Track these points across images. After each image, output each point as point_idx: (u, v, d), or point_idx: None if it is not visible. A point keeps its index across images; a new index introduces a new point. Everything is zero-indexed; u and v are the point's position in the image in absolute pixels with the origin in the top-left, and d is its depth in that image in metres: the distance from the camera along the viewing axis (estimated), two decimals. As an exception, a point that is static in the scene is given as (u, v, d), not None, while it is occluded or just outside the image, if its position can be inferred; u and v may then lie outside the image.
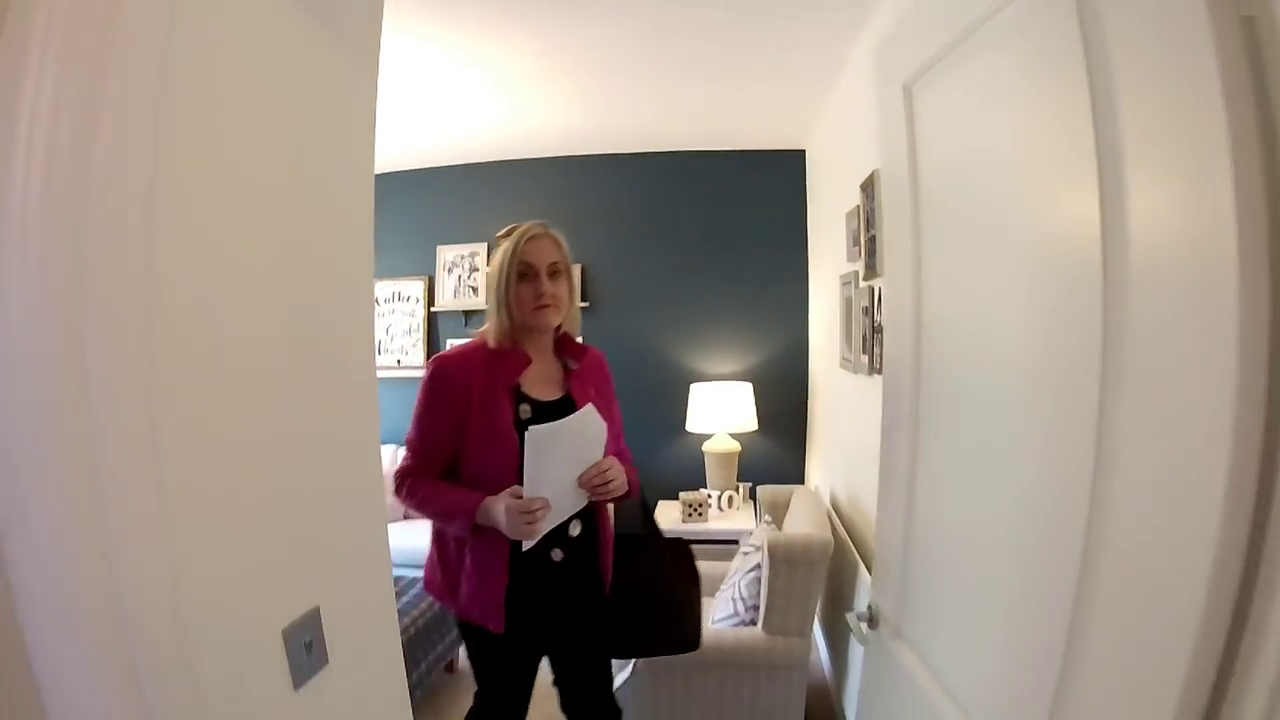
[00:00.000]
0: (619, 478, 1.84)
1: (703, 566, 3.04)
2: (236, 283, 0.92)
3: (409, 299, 5.12)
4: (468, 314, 4.99)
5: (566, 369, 1.97)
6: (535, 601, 1.89)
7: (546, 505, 1.70)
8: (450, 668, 3.62)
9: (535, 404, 1.86)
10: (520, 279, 1.82)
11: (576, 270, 5.19)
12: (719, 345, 4.73)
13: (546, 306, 1.82)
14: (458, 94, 3.61)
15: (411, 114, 3.87)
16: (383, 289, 5.11)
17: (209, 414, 0.87)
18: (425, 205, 5.00)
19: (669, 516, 4.26)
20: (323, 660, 1.06)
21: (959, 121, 1.22)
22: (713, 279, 4.68)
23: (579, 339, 2.03)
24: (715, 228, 4.65)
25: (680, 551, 2.14)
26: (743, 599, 2.85)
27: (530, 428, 1.68)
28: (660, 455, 4.76)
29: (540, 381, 1.91)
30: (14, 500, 0.71)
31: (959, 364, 1.25)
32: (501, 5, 2.69)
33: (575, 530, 1.90)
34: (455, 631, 3.61)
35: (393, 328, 5.16)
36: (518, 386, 1.86)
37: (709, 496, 4.31)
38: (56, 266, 0.68)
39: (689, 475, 4.68)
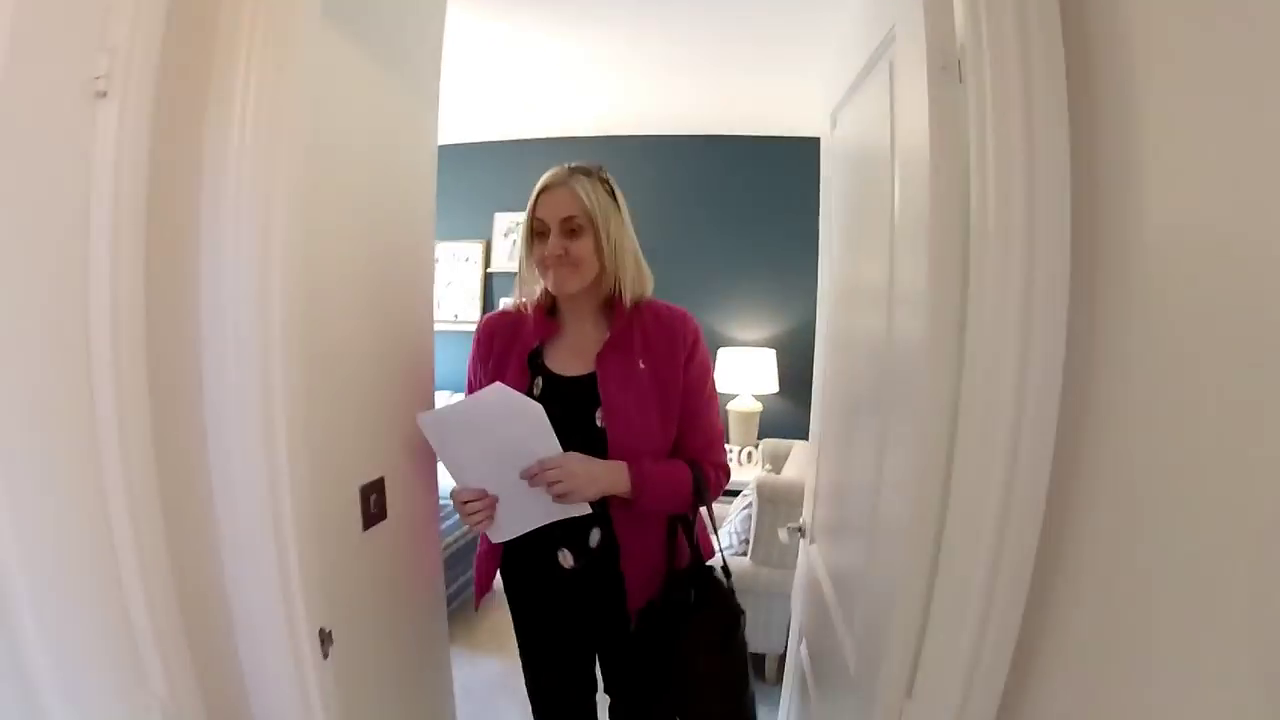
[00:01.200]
0: (577, 482, 1.47)
1: (717, 509, 3.51)
2: (343, 252, 1.42)
3: (467, 260, 5.63)
4: (515, 276, 5.49)
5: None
6: (545, 605, 1.75)
7: (486, 499, 1.53)
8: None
9: (552, 379, 1.62)
10: (535, 237, 1.59)
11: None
12: (746, 314, 5.14)
13: (551, 267, 1.55)
14: (514, 76, 4.06)
15: (472, 92, 4.33)
16: (443, 250, 5.63)
17: (330, 347, 1.37)
18: (484, 175, 5.50)
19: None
20: (382, 515, 1.56)
21: (852, 145, 1.64)
22: (742, 254, 5.08)
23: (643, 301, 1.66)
24: (745, 207, 5.04)
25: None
26: (736, 533, 3.31)
27: (419, 413, 1.52)
28: (688, 412, 5.22)
29: (569, 353, 1.65)
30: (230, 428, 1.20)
31: (851, 336, 1.67)
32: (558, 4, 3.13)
33: (595, 539, 1.62)
34: None
35: (451, 286, 5.70)
36: (539, 357, 1.65)
37: (730, 451, 4.75)
38: (254, 237, 1.15)
39: (713, 431, 5.13)
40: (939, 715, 1.05)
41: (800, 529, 2.04)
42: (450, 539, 3.61)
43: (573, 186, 1.55)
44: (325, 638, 1.29)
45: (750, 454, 4.77)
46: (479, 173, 5.51)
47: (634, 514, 1.57)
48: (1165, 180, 0.77)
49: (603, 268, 1.59)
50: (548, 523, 1.56)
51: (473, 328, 6.13)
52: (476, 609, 1.83)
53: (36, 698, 0.95)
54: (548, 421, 1.45)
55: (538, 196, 1.58)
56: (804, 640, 1.96)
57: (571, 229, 1.55)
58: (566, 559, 1.65)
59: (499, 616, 3.78)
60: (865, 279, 1.49)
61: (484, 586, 1.75)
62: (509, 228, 5.52)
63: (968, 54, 0.98)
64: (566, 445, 1.49)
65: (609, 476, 1.52)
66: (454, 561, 3.59)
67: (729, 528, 3.40)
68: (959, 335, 1.01)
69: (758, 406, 4.86)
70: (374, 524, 1.53)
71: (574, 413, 1.56)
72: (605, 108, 4.64)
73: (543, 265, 1.58)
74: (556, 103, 4.54)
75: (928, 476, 1.05)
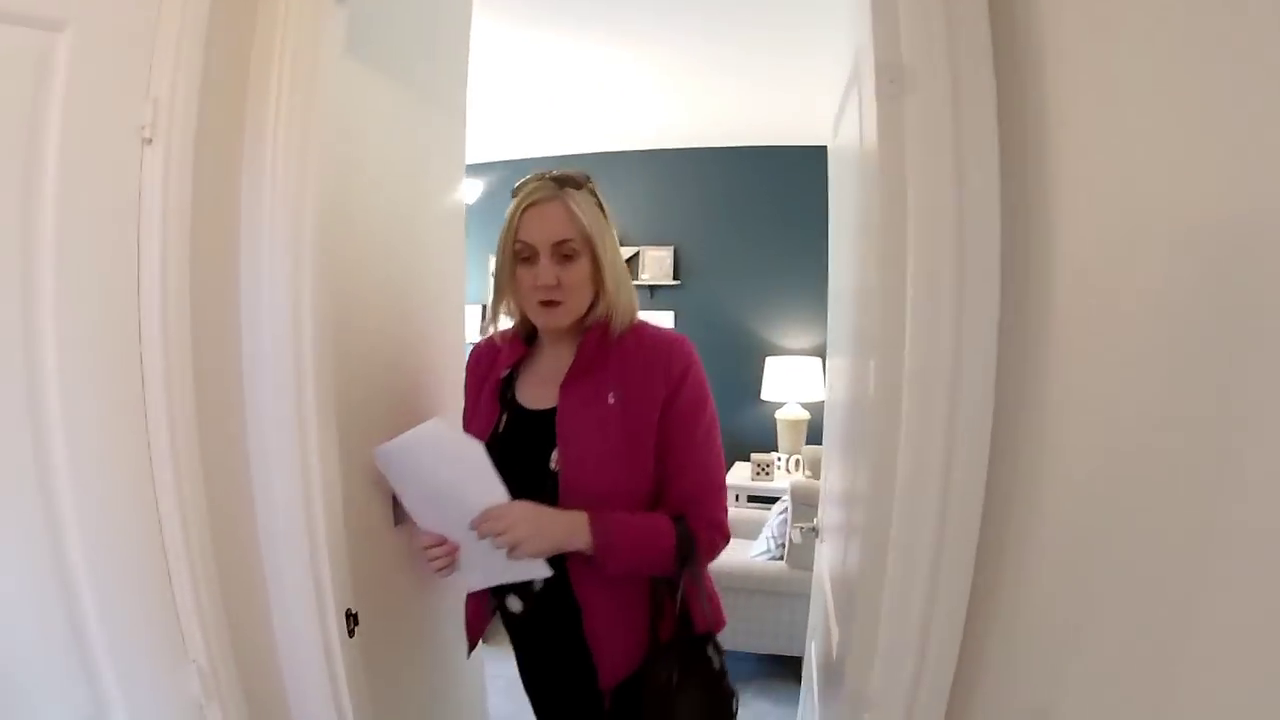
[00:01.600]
0: (521, 533, 1.25)
1: (759, 515, 3.59)
2: (373, 268, 1.57)
3: (523, 273, 5.81)
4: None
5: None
6: (518, 650, 1.56)
7: (446, 546, 1.36)
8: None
9: (518, 413, 1.43)
10: (519, 261, 1.36)
11: (664, 253, 5.64)
12: (793, 322, 5.19)
13: (550, 304, 1.34)
14: (567, 92, 4.22)
15: (520, 109, 4.52)
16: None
17: (362, 359, 1.51)
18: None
19: (741, 474, 4.80)
20: None
21: (846, 154, 1.71)
22: (789, 262, 5.13)
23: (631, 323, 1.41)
24: (794, 216, 5.09)
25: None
26: (773, 537, 3.37)
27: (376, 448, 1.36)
28: (736, 419, 5.28)
29: (538, 381, 1.45)
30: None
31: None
32: (610, 19, 3.27)
33: (539, 583, 1.38)
34: None
35: (505, 299, 5.88)
36: (511, 387, 1.47)
37: (777, 459, 4.80)
38: (286, 260, 1.30)
39: (762, 438, 5.18)
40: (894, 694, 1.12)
41: (814, 529, 2.10)
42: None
43: (565, 203, 1.32)
44: (352, 619, 1.43)
45: (798, 461, 4.81)
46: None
47: (601, 572, 1.31)
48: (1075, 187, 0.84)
49: (596, 295, 1.38)
50: (511, 581, 1.38)
51: None
52: (468, 656, 1.65)
53: (93, 665, 1.12)
54: (489, 463, 1.27)
55: (521, 214, 1.33)
56: (812, 639, 2.02)
57: (565, 254, 1.32)
58: (514, 604, 1.45)
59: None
60: (850, 283, 1.56)
61: (474, 632, 1.58)
62: (562, 242, 5.67)
63: (906, 73, 1.06)
64: (519, 490, 1.30)
65: (564, 529, 1.28)
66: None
67: (767, 532, 3.46)
68: (902, 336, 1.08)
69: (805, 414, 4.89)
70: (404, 520, 1.67)
71: (531, 452, 1.36)
72: (652, 122, 4.77)
73: (530, 296, 1.36)
74: (606, 118, 4.69)
75: (879, 476, 1.13)
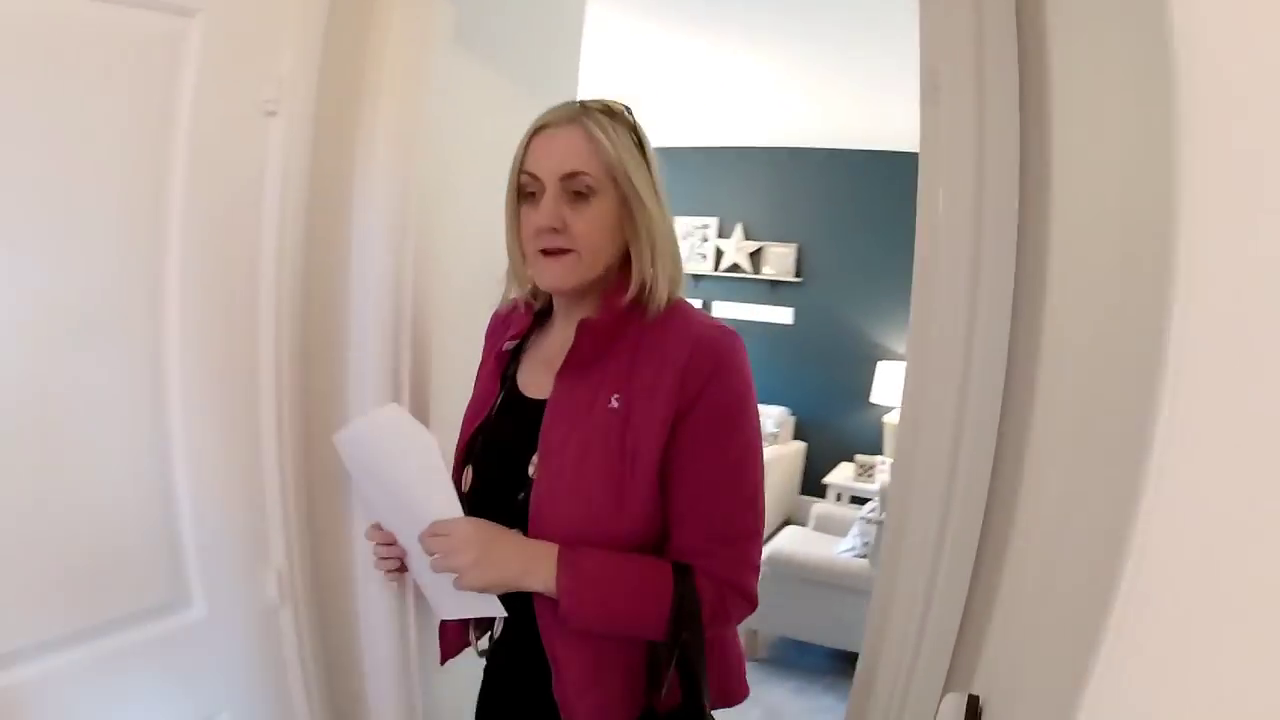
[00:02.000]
0: (464, 560, 0.99)
1: (854, 513, 3.60)
2: (469, 243, 1.70)
3: (645, 259, 5.98)
4: (697, 277, 5.77)
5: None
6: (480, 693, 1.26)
7: (392, 549, 1.17)
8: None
9: (513, 399, 1.16)
10: (524, 199, 1.08)
11: (787, 249, 5.75)
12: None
13: (551, 254, 1.04)
14: (698, 86, 4.34)
15: (653, 98, 4.66)
16: None
17: (450, 329, 1.65)
18: (665, 180, 5.84)
19: (843, 474, 4.80)
20: None
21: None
22: (904, 266, 5.05)
23: (664, 303, 1.07)
24: (910, 219, 5.01)
25: None
26: (860, 534, 3.39)
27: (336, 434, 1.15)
28: (845, 420, 5.26)
29: (542, 363, 1.16)
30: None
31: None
32: (744, 20, 3.38)
33: (499, 625, 1.13)
34: None
35: (633, 284, 6.07)
36: (514, 365, 1.20)
37: (880, 461, 4.76)
38: (391, 232, 1.46)
39: (868, 441, 5.14)
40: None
41: (880, 522, 2.14)
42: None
43: (585, 126, 1.03)
44: None
45: (903, 466, 4.75)
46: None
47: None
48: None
49: (625, 255, 1.07)
50: (465, 616, 1.14)
51: None
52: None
53: (180, 558, 1.28)
54: (442, 465, 1.03)
55: (529, 140, 1.07)
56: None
57: (577, 190, 1.02)
58: (479, 641, 1.19)
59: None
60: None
61: (445, 645, 1.27)
62: (688, 231, 5.81)
63: (943, 79, 1.12)
64: (490, 497, 1.08)
65: (520, 562, 1.00)
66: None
67: (856, 529, 3.48)
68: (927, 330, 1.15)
69: (916, 420, 4.82)
70: None
71: (515, 451, 1.08)
72: (781, 120, 4.81)
73: (531, 244, 1.07)
74: (735, 113, 4.78)
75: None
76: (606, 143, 1.03)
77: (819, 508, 4.21)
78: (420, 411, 1.54)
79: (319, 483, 1.47)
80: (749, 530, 1.05)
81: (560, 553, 0.99)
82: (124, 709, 1.23)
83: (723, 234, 5.72)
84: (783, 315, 5.47)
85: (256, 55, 1.29)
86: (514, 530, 1.03)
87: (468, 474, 1.14)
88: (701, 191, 5.74)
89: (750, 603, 1.05)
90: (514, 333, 1.21)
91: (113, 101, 1.13)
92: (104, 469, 1.18)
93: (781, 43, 3.49)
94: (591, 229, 1.03)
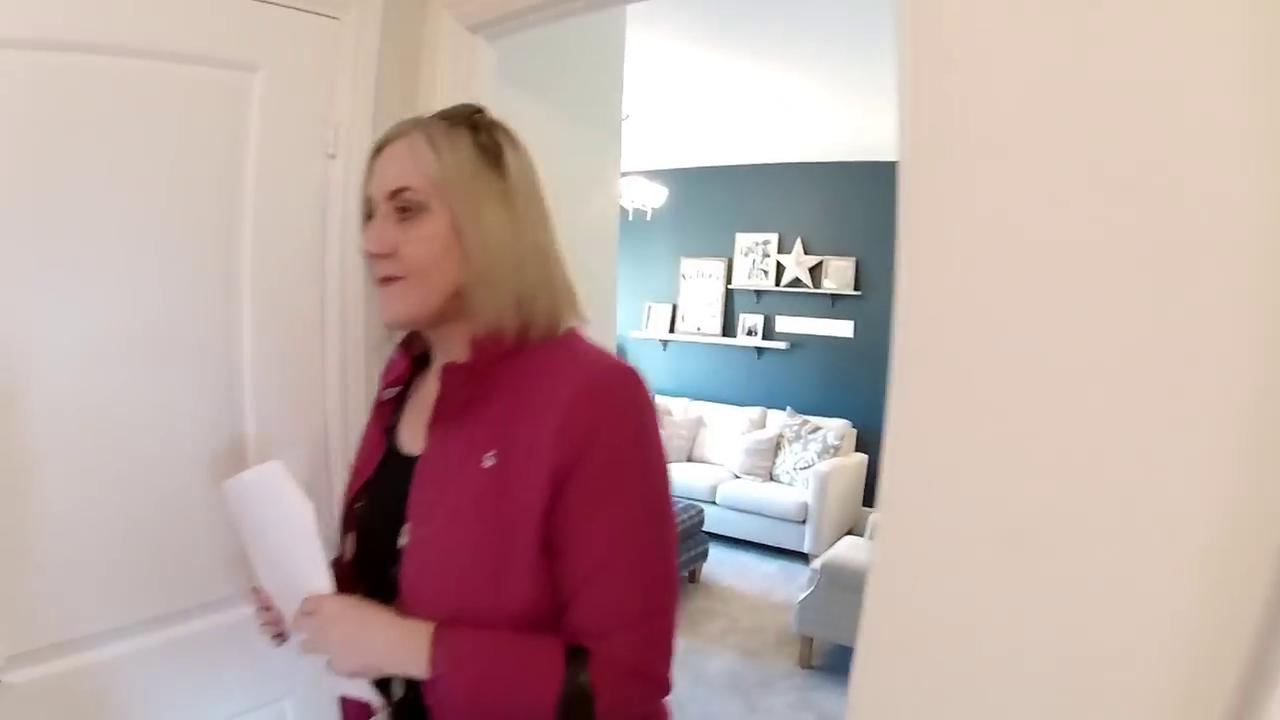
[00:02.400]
0: (329, 641, 0.87)
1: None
2: None
3: (710, 276, 6.07)
4: (759, 293, 5.85)
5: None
6: None
7: (271, 613, 1.02)
8: (693, 577, 4.54)
9: (389, 457, 1.00)
10: (366, 225, 0.94)
11: (846, 263, 5.73)
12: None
13: (384, 282, 0.91)
14: (754, 105, 4.42)
15: (707, 119, 4.75)
16: (688, 266, 6.15)
17: None
18: (726, 197, 5.97)
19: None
20: None
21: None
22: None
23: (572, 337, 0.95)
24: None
25: None
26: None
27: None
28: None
29: (419, 414, 0.98)
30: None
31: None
32: (799, 49, 3.46)
33: (399, 689, 0.91)
34: (705, 545, 4.53)
35: (694, 300, 6.16)
36: (396, 418, 1.04)
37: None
38: None
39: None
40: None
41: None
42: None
43: (410, 137, 0.90)
44: None
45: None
46: (720, 194, 5.98)
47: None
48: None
49: (473, 277, 0.89)
50: (345, 695, 0.98)
51: (715, 340, 6.36)
52: None
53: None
54: (313, 530, 0.91)
55: (372, 158, 0.94)
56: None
57: (402, 207, 0.89)
58: (374, 699, 0.93)
59: (714, 617, 4.16)
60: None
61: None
62: (749, 247, 5.87)
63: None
64: (368, 573, 0.95)
65: (387, 645, 0.86)
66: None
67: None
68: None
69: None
70: None
71: (391, 516, 0.92)
72: (837, 136, 4.85)
73: (370, 273, 0.94)
74: (791, 131, 4.84)
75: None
76: (430, 152, 0.88)
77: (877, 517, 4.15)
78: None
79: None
80: (654, 606, 0.87)
81: (434, 633, 0.84)
82: (195, 690, 1.38)
83: (783, 249, 5.76)
84: (843, 328, 5.48)
85: (315, 103, 1.44)
86: (388, 609, 0.87)
87: (349, 541, 1.00)
88: (761, 208, 5.82)
89: (660, 688, 0.88)
90: (391, 378, 1.07)
91: (191, 147, 1.29)
92: (187, 473, 1.33)
93: (829, 59, 3.55)
94: (418, 250, 0.88)
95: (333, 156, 1.45)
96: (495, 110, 1.67)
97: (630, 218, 5.72)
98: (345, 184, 1.47)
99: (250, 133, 1.34)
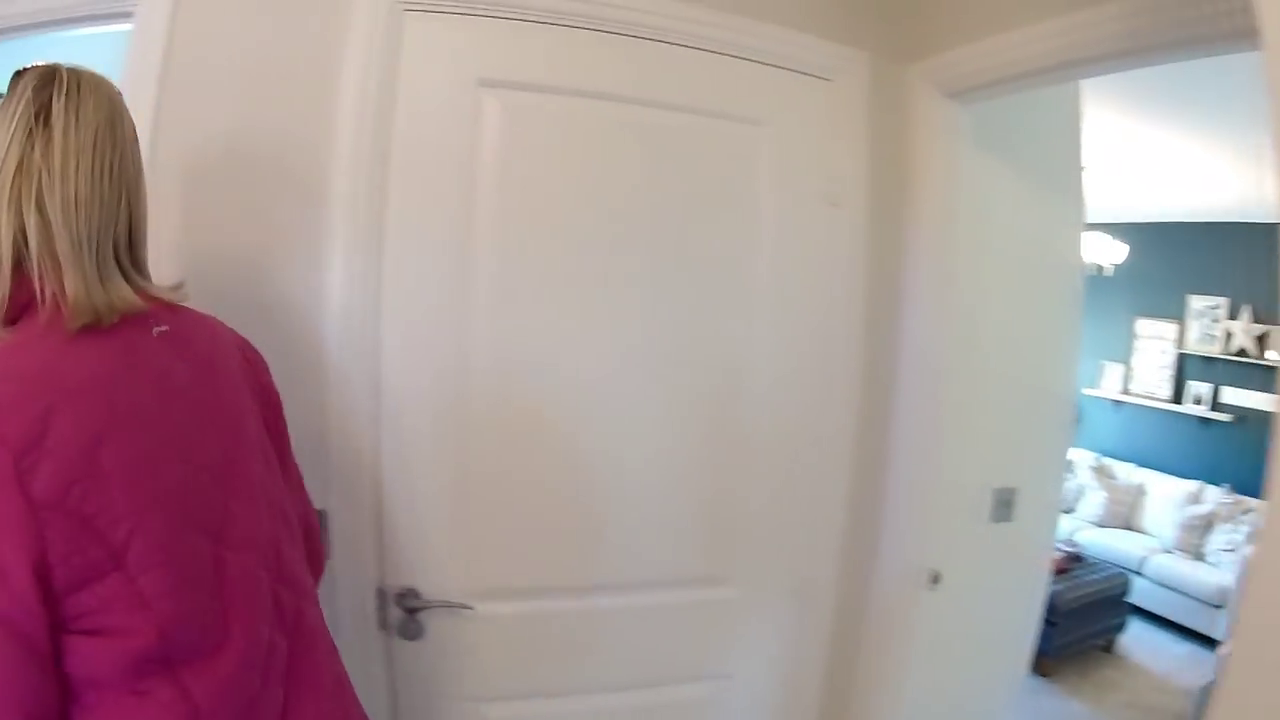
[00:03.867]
0: None
1: None
2: (996, 310, 1.94)
3: (1162, 338, 5.69)
4: (1208, 360, 5.39)
5: None
6: None
7: None
8: (1109, 647, 4.32)
9: None
10: None
11: None
12: None
13: None
14: (1203, 165, 4.15)
15: (1152, 177, 4.53)
16: (1142, 326, 5.84)
17: (972, 382, 1.89)
18: (1179, 255, 5.55)
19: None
20: (1008, 517, 2.06)
21: None
22: None
23: None
24: None
25: None
26: None
27: None
28: None
29: None
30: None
31: None
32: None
33: None
34: (1124, 617, 4.33)
35: (1147, 361, 5.81)
36: None
37: None
38: (932, 302, 1.84)
39: None
40: None
41: None
42: (1083, 590, 4.00)
43: None
44: (935, 577, 1.86)
45: None
46: (1174, 252, 5.55)
47: None
48: None
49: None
50: None
51: (1162, 406, 5.74)
52: None
53: (730, 555, 1.73)
54: None
55: None
56: None
57: None
58: None
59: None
60: None
61: None
62: (1200, 310, 5.42)
63: None
64: None
65: None
66: (1081, 613, 3.99)
67: None
68: None
69: None
70: (1002, 521, 2.04)
71: None
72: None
73: None
74: (1238, 189, 4.42)
75: None
76: None
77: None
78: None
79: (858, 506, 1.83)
80: None
81: None
82: (665, 648, 1.69)
83: (1232, 315, 5.23)
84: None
85: (817, 156, 1.68)
86: None
87: None
88: (1213, 269, 5.35)
89: None
90: None
91: (717, 195, 1.60)
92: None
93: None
94: None
95: (835, 205, 1.70)
96: (969, 168, 1.82)
97: (1090, 273, 5.53)
98: (851, 234, 1.71)
99: (763, 181, 1.62)
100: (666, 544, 1.66)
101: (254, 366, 1.08)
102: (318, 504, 1.42)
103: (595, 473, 1.60)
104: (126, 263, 0.88)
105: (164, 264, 1.03)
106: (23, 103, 0.81)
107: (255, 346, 1.11)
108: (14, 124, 0.81)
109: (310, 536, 1.14)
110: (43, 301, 0.79)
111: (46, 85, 0.83)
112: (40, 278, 0.79)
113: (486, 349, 1.51)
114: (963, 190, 1.81)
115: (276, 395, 1.11)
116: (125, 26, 1.38)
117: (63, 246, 0.80)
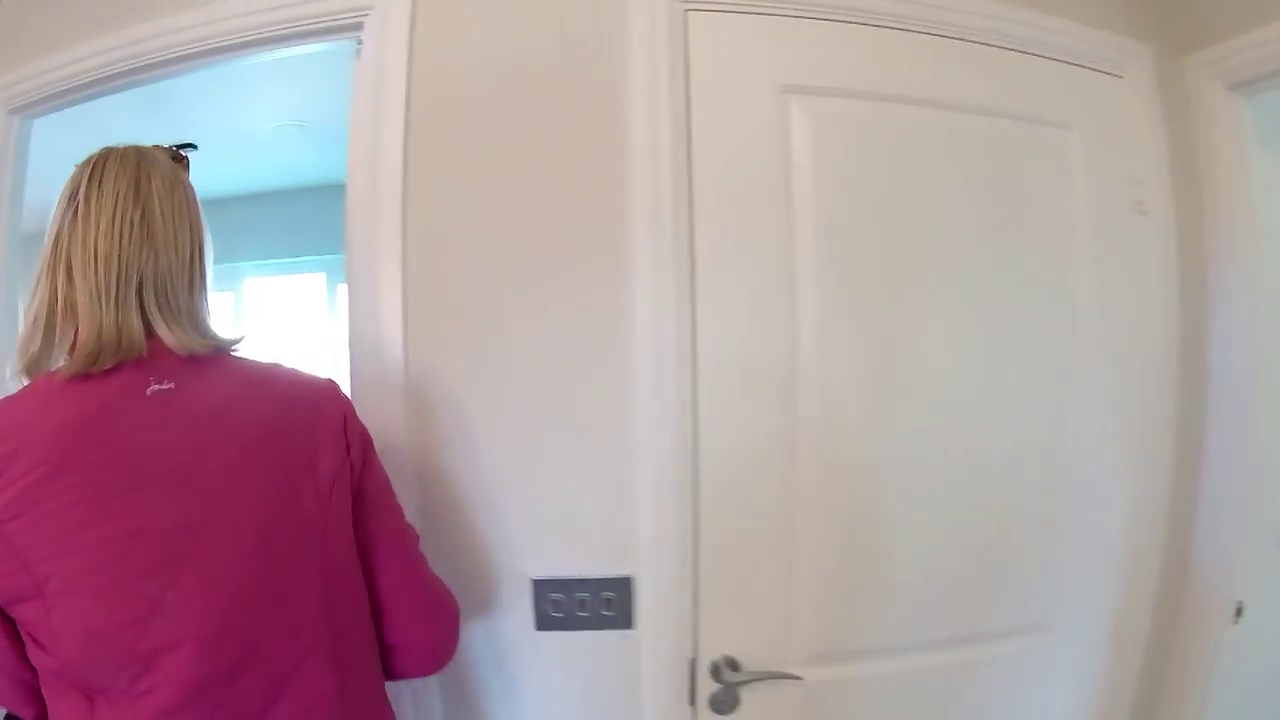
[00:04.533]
0: None
1: None
2: None
3: None
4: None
5: None
6: None
7: None
8: None
9: None
10: None
11: None
12: None
13: None
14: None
15: None
16: None
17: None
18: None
19: None
20: None
21: None
22: None
23: None
24: None
25: None
26: None
27: None
28: None
29: None
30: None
31: None
32: None
33: None
34: None
35: None
36: None
37: None
38: (1252, 314, 1.65)
39: None
40: None
41: None
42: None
43: None
44: (1239, 608, 1.66)
45: None
46: None
47: None
48: None
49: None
50: None
51: None
52: None
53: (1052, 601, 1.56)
54: None
55: None
56: None
57: None
58: None
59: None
60: None
61: None
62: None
63: None
64: None
65: None
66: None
67: None
68: None
69: None
70: None
71: None
72: None
73: None
74: None
75: None
76: None
77: None
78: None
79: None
80: None
81: None
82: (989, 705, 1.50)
83: None
84: None
85: (1120, 159, 1.55)
86: None
87: None
88: None
89: None
90: None
91: (1027, 207, 1.47)
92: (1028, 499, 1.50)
93: None
94: None
95: (1144, 213, 1.56)
96: (1259, 165, 1.62)
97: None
98: (1160, 242, 1.57)
99: (1076, 186, 1.49)
100: (992, 591, 1.50)
101: (326, 426, 1.01)
102: (619, 570, 1.31)
103: (922, 520, 1.43)
104: (153, 307, 0.92)
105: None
106: (66, 187, 0.94)
107: (345, 407, 1.05)
108: (58, 207, 0.93)
109: (399, 619, 1.06)
110: (71, 351, 0.89)
111: (82, 168, 0.95)
112: (69, 329, 0.90)
113: (813, 392, 1.36)
114: (1256, 189, 1.65)
115: (363, 458, 1.04)
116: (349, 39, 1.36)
117: (81, 298, 0.89)
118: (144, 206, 0.93)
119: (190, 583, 0.87)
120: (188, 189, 1.01)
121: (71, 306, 0.90)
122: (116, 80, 1.50)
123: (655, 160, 1.30)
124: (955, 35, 1.42)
